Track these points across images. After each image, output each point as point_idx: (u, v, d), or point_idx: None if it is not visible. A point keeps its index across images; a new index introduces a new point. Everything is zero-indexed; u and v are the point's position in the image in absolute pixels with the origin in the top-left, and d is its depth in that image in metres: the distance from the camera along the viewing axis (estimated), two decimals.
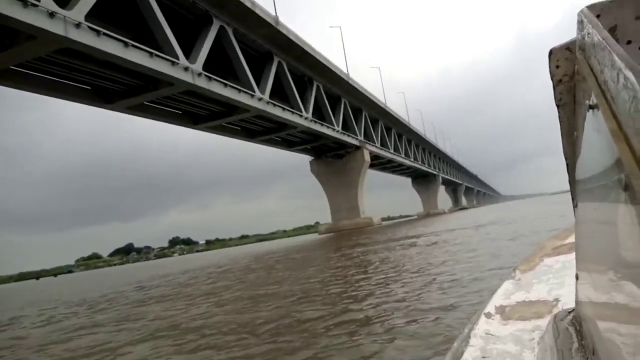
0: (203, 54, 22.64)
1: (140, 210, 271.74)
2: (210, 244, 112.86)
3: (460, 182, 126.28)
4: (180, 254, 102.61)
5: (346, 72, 40.46)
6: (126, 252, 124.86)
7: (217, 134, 34.92)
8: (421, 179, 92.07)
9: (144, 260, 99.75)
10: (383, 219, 57.81)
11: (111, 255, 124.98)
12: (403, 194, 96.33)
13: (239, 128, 35.73)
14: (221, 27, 24.30)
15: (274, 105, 29.28)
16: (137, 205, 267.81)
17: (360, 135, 46.43)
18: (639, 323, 0.42)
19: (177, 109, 29.29)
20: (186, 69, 21.33)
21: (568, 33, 0.63)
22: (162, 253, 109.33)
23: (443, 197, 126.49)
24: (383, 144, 55.10)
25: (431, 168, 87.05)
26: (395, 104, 62.77)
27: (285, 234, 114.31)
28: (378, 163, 63.92)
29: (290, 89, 31.85)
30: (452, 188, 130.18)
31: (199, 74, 22.24)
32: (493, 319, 1.10)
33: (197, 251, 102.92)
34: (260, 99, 27.72)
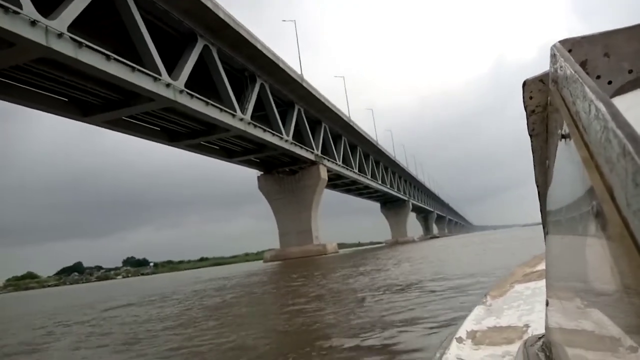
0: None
1: (107, 228, 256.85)
2: (159, 267, 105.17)
3: (432, 209, 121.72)
4: (124, 277, 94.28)
5: (300, 74, 34.78)
6: (73, 272, 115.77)
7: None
8: (390, 204, 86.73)
9: (84, 282, 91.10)
10: (341, 246, 51.62)
11: (58, 274, 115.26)
12: (374, 220, 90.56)
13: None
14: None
15: (192, 96, 23.22)
16: (104, 222, 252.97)
17: (317, 150, 40.54)
18: (608, 350, 0.42)
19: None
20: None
21: (541, 68, 0.66)
22: (104, 275, 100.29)
23: (414, 224, 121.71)
24: (346, 163, 49.33)
25: (401, 193, 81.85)
26: (366, 126, 57.45)
27: (246, 257, 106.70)
28: (342, 184, 58.10)
29: (221, 82, 25.85)
30: (423, 215, 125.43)
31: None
32: (464, 344, 1.11)
33: (142, 274, 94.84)
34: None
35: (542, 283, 1.11)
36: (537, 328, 1.05)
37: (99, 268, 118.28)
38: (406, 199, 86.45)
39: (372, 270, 13.48)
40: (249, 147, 35.02)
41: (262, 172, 42.34)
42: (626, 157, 0.29)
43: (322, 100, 38.66)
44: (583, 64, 0.53)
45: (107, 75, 18.28)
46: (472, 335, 1.18)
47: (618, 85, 0.50)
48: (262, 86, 31.05)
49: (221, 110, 25.50)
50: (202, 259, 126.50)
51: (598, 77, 0.54)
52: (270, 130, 31.54)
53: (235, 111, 26.83)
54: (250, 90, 29.71)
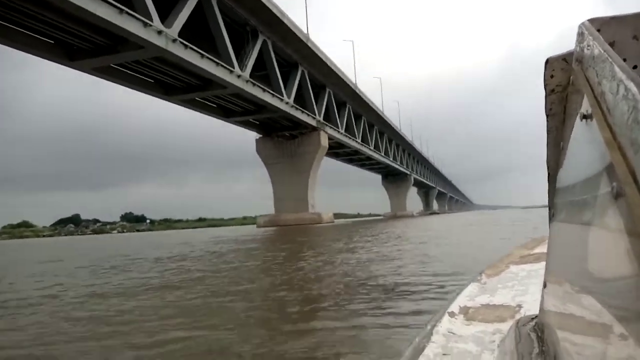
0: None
1: (109, 181, 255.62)
2: (156, 224, 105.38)
3: (434, 185, 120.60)
4: (120, 232, 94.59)
5: (306, 34, 32.86)
6: (70, 223, 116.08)
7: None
8: (392, 177, 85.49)
9: (79, 234, 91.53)
10: (339, 217, 50.75)
11: (55, 224, 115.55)
12: (375, 192, 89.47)
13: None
14: None
15: (186, 47, 21.69)
16: (106, 175, 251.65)
17: (319, 116, 38.99)
18: (600, 336, 0.43)
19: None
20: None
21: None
22: (99, 229, 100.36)
23: (414, 199, 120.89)
24: (349, 131, 47.80)
25: (403, 166, 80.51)
26: (372, 98, 55.51)
27: (244, 220, 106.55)
28: (343, 153, 56.75)
29: (219, 34, 24.17)
30: (425, 191, 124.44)
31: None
32: (456, 319, 1.12)
33: (138, 230, 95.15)
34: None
35: (538, 266, 1.31)
36: (530, 309, 1.07)
37: (96, 221, 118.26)
38: (408, 172, 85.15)
39: (357, 248, 12.38)
40: (248, 108, 33.54)
41: (261, 135, 40.93)
42: None
43: (328, 63, 36.80)
44: (610, 45, 0.51)
45: (93, 17, 17.03)
46: (464, 310, 1.19)
47: None
48: (264, 43, 29.29)
49: (217, 64, 23.95)
50: (200, 219, 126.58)
51: (624, 60, 0.51)
52: (270, 91, 29.98)
53: (233, 67, 25.27)
54: (251, 46, 27.98)
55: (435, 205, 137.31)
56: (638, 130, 0.32)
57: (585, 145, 0.51)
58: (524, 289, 1.35)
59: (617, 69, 0.40)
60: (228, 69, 24.88)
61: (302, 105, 36.39)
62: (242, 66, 26.45)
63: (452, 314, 1.16)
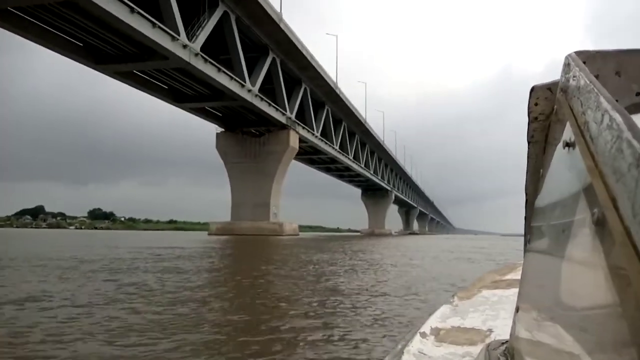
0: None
1: (87, 176, 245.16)
2: (117, 223, 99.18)
3: (415, 205, 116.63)
4: (77, 228, 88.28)
5: (279, 12, 28.27)
6: (32, 214, 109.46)
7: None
8: (372, 192, 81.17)
9: (33, 227, 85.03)
10: (319, 230, 45.81)
11: (17, 214, 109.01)
12: (359, 207, 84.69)
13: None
14: None
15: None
16: (91, 170, 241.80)
17: (291, 113, 34.29)
18: None
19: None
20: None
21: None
22: (56, 223, 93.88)
23: (394, 217, 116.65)
24: (327, 137, 43.16)
25: (384, 182, 76.18)
26: (357, 106, 51.16)
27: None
28: (319, 160, 52.15)
29: None
30: (406, 210, 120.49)
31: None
32: (427, 339, 1.12)
33: (96, 228, 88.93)
34: None
35: (510, 292, 1.34)
36: (500, 334, 1.07)
37: (61, 215, 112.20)
38: (389, 189, 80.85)
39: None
40: (203, 92, 28.66)
41: (223, 130, 35.97)
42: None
43: (304, 52, 32.23)
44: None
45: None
46: (435, 332, 1.19)
47: (624, 106, 0.48)
48: (225, 15, 24.60)
49: (154, 25, 19.12)
50: (170, 222, 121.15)
51: None
52: (228, 72, 25.16)
53: (178, 34, 20.49)
54: (207, 16, 23.26)
55: (415, 225, 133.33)
56: (621, 159, 0.32)
57: (566, 172, 0.52)
58: (495, 313, 1.34)
59: (602, 99, 0.41)
60: (170, 35, 20.10)
61: (272, 99, 31.70)
62: (190, 36, 21.71)
63: (423, 335, 1.15)
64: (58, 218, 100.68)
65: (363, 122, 53.29)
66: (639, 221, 0.28)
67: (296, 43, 30.67)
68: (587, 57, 0.56)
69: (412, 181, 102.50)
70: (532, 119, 0.67)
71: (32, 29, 20.35)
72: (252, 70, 28.56)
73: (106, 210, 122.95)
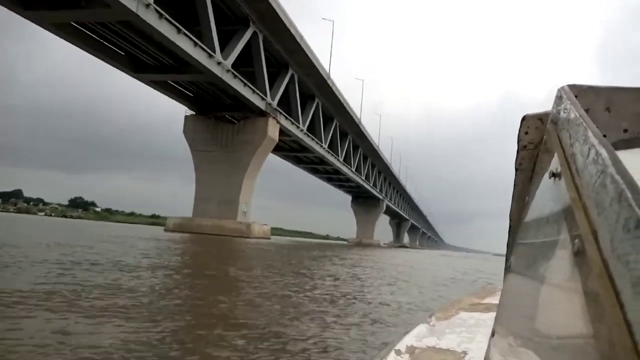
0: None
1: (82, 165, 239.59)
2: (90, 213, 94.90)
3: (407, 217, 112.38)
4: (47, 215, 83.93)
5: None
6: (11, 198, 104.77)
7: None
8: (362, 200, 76.83)
9: (3, 212, 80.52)
10: (304, 235, 41.48)
11: None
12: (349, 215, 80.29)
13: None
14: None
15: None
16: (85, 159, 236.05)
17: (272, 99, 30.07)
18: None
19: None
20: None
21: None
22: (25, 208, 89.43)
23: (385, 228, 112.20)
24: (314, 132, 38.94)
25: (377, 190, 71.93)
26: (354, 108, 46.75)
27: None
28: (306, 159, 47.87)
29: None
30: (397, 222, 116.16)
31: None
32: (402, 357, 1.11)
33: (65, 216, 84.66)
34: None
35: (487, 316, 1.34)
36: (474, 357, 1.07)
37: (40, 201, 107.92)
38: (381, 198, 76.60)
39: None
40: (165, 61, 24.48)
41: (194, 113, 31.67)
42: (621, 203, 0.29)
43: (292, 31, 28.07)
44: (585, 112, 0.53)
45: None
46: (411, 350, 1.18)
47: (611, 141, 0.50)
48: None
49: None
50: (152, 216, 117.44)
51: None
52: (192, 37, 20.89)
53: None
54: None
55: (406, 238, 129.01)
56: (604, 194, 0.33)
57: (550, 202, 0.52)
58: (471, 336, 1.34)
59: (590, 134, 0.42)
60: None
61: (251, 80, 27.50)
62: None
63: (398, 352, 1.14)
64: (31, 203, 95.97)
65: (357, 123, 49.14)
66: (617, 255, 0.29)
67: (282, 17, 26.53)
68: (579, 91, 0.57)
69: (406, 193, 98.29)
70: (522, 147, 0.68)
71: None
72: (227, 41, 24.40)
73: (87, 199, 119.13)
